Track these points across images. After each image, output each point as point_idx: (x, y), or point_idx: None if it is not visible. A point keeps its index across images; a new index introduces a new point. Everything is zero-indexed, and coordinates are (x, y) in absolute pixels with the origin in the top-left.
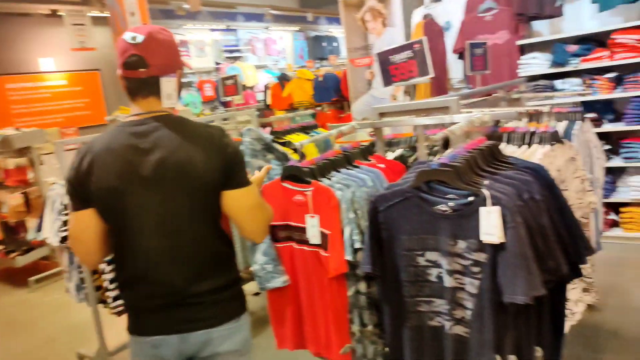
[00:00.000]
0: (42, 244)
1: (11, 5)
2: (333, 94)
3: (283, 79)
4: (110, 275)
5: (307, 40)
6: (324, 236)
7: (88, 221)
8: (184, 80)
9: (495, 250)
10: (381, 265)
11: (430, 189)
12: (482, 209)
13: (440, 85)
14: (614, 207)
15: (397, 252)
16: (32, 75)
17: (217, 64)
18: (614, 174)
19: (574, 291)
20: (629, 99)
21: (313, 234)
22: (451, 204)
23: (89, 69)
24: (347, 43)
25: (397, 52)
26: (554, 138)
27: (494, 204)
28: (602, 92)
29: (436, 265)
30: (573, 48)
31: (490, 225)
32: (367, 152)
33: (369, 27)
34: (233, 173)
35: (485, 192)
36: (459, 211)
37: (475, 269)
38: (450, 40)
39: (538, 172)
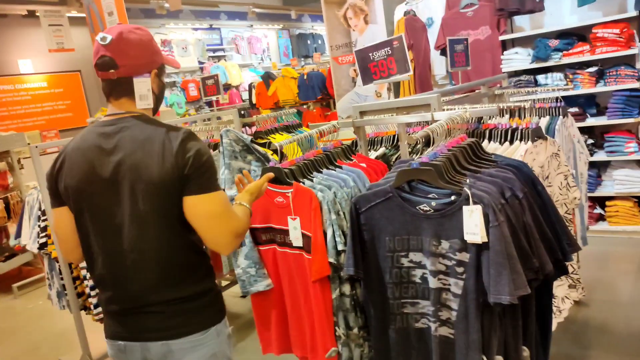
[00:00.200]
0: (24, 250)
1: None
2: (318, 92)
3: (268, 77)
4: (92, 282)
5: (292, 38)
6: (306, 238)
7: (65, 218)
8: (167, 80)
9: (479, 249)
10: (365, 267)
11: (412, 189)
12: (464, 208)
13: (424, 82)
14: (600, 201)
15: (380, 253)
16: (12, 77)
17: (201, 63)
18: (598, 168)
19: (560, 288)
20: (611, 93)
21: (295, 236)
22: (433, 203)
23: (70, 70)
24: (329, 40)
25: (376, 49)
26: (537, 134)
27: (476, 202)
28: (584, 86)
29: (420, 266)
30: (554, 43)
31: (473, 224)
32: (349, 151)
33: (351, 24)
34: (192, 178)
35: (467, 191)
36: (441, 211)
37: (460, 269)
38: (433, 36)
39: (520, 170)
